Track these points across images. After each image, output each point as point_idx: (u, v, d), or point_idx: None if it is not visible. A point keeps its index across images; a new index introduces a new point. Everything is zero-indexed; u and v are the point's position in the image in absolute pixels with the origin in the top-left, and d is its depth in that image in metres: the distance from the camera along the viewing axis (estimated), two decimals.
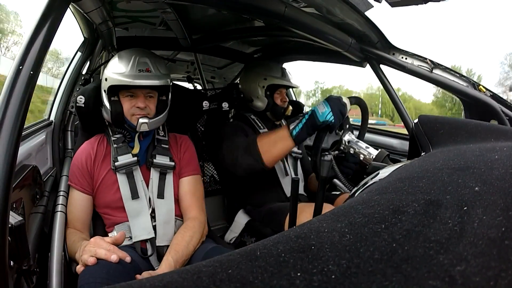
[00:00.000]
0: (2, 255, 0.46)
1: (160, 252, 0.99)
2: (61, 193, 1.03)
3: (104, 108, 1.05)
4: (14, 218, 0.53)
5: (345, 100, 1.09)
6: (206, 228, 1.08)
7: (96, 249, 0.82)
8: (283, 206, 1.28)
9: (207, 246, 1.00)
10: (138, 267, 0.91)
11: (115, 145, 1.04)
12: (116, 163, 1.01)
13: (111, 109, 1.02)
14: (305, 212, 1.10)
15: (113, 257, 0.81)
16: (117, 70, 1.01)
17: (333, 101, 1.07)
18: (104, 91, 1.03)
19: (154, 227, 1.01)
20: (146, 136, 1.09)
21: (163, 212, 1.03)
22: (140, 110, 1.02)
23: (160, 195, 1.04)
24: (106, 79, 1.02)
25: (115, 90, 1.03)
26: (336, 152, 1.17)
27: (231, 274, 0.27)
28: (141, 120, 1.01)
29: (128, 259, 0.84)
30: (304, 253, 0.29)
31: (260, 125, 1.42)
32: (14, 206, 0.70)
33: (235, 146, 1.21)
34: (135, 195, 1.01)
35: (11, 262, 0.54)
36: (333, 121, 1.05)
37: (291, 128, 1.10)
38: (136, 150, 1.06)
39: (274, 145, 1.13)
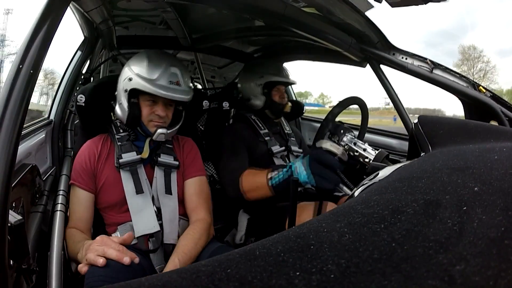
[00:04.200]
0: (2, 254, 0.46)
1: (167, 250, 0.97)
2: (61, 192, 1.03)
3: (120, 107, 1.04)
4: (13, 217, 0.53)
5: (333, 149, 0.97)
6: (212, 229, 1.07)
7: (105, 249, 0.77)
8: (283, 206, 1.28)
9: (213, 246, 0.99)
10: (141, 266, 0.89)
11: (119, 143, 1.03)
12: (120, 160, 1.00)
13: (129, 111, 1.01)
14: (305, 212, 1.10)
15: (126, 259, 0.76)
16: (146, 74, 0.98)
17: (315, 164, 0.93)
18: (125, 90, 1.01)
19: (161, 225, 0.99)
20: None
21: (169, 210, 1.02)
22: (159, 118, 1.01)
23: (168, 191, 1.03)
24: (130, 79, 0.99)
25: (136, 93, 1.01)
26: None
27: (230, 274, 0.27)
28: (160, 131, 1.01)
29: (136, 260, 0.80)
30: (303, 253, 0.29)
31: (260, 125, 1.42)
32: (14, 205, 0.70)
33: (227, 172, 1.27)
34: (139, 190, 0.99)
35: (11, 261, 0.54)
36: (314, 184, 0.94)
37: (269, 176, 1.08)
38: (145, 154, 1.04)
39: (255, 189, 1.16)
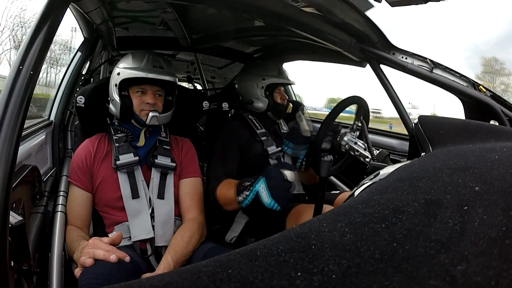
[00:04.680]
0: (3, 255, 0.46)
1: (159, 252, 0.99)
2: (61, 193, 1.03)
3: (113, 102, 1.07)
4: (14, 218, 0.53)
5: (288, 176, 1.02)
6: (205, 229, 1.08)
7: (95, 251, 0.81)
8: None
9: (206, 246, 1.00)
10: (139, 266, 0.90)
11: (117, 144, 1.05)
12: (117, 162, 1.02)
13: (121, 103, 1.04)
14: (305, 214, 1.10)
15: (112, 257, 0.79)
16: (131, 65, 1.05)
17: (275, 189, 1.00)
18: (115, 85, 1.05)
19: (153, 227, 1.01)
20: (151, 134, 1.10)
21: (162, 213, 1.03)
22: (149, 106, 1.04)
23: (160, 195, 1.05)
24: (118, 74, 1.04)
25: (126, 85, 1.05)
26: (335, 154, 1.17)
27: (231, 274, 0.27)
28: (151, 114, 1.04)
29: (127, 258, 0.83)
30: (305, 253, 0.29)
31: (257, 125, 1.42)
32: (14, 206, 0.70)
33: (211, 180, 1.24)
34: (135, 194, 1.01)
35: (12, 262, 0.54)
36: (279, 208, 1.00)
37: (239, 199, 1.06)
38: (141, 143, 1.08)
39: (230, 204, 1.13)
